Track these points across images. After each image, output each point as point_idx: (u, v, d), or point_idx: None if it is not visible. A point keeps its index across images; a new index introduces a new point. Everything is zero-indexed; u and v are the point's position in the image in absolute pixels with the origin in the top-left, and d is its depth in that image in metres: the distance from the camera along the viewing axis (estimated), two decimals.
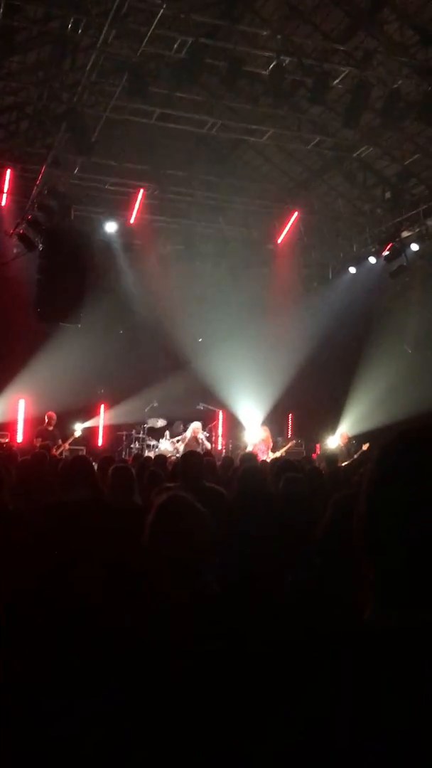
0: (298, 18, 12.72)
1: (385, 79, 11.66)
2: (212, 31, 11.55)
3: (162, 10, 10.08)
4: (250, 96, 12.87)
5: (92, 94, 12.28)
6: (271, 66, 11.25)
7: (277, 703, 1.29)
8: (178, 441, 15.93)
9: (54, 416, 13.96)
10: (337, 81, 11.73)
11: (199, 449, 14.74)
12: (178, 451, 15.67)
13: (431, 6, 11.44)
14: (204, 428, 16.51)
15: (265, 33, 11.67)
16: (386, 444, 1.35)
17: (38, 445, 10.59)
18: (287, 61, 11.31)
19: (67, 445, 13.94)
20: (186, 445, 14.98)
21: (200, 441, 15.16)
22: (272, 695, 1.34)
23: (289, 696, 1.26)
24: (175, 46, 11.02)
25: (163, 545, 2.45)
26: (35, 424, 15.78)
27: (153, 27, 10.35)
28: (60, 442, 13.76)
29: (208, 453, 14.64)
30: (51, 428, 13.74)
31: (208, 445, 15.23)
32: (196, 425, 15.47)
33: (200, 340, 17.82)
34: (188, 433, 15.35)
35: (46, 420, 13.73)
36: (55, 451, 12.81)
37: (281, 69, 11.22)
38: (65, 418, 14.42)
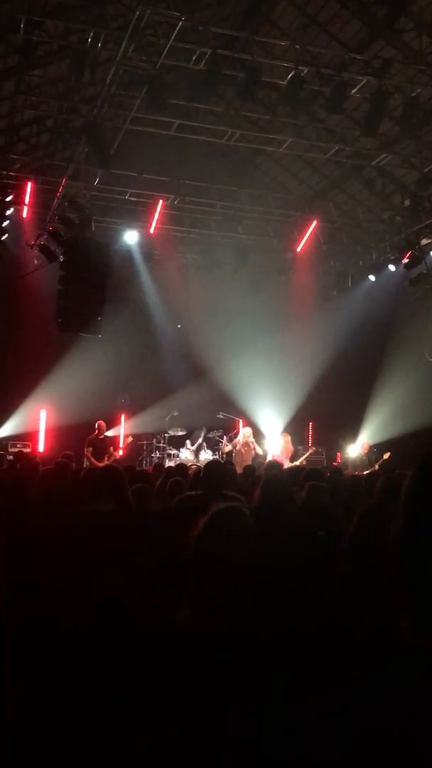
0: (315, 28, 12.77)
1: (403, 88, 11.66)
2: (230, 42, 11.62)
3: (180, 23, 10.16)
4: (269, 106, 12.91)
5: (112, 107, 12.38)
6: (289, 76, 11.29)
7: (309, 718, 1.29)
8: (224, 449, 15.85)
9: (104, 425, 14.01)
10: (355, 90, 11.75)
11: (251, 455, 14.73)
12: (198, 460, 15.69)
13: None
14: (224, 437, 16.51)
15: (282, 43, 11.72)
16: (424, 457, 1.35)
17: (64, 454, 10.62)
18: (305, 71, 11.35)
19: (118, 454, 14.03)
20: (240, 452, 14.88)
21: (252, 446, 15.06)
22: (306, 710, 1.34)
23: (321, 710, 1.25)
24: (194, 57, 11.09)
25: (214, 553, 2.43)
26: (60, 433, 15.94)
27: (172, 39, 10.43)
28: (111, 450, 13.83)
29: (258, 457, 14.70)
30: (101, 437, 13.81)
31: (260, 450, 15.16)
32: (246, 431, 15.38)
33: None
34: (240, 439, 15.27)
35: (97, 429, 13.79)
36: (107, 460, 12.89)
37: (299, 79, 11.26)
38: (85, 428, 14.47)
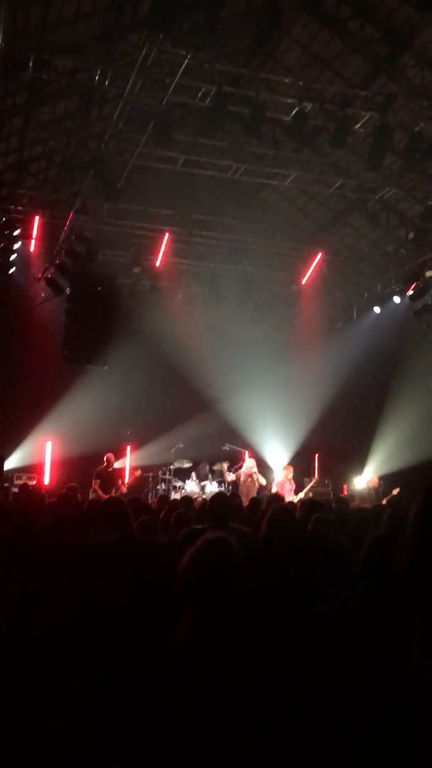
0: (319, 65, 12.98)
1: (407, 123, 11.82)
2: (235, 79, 11.83)
3: (186, 61, 10.38)
4: (273, 141, 13.09)
5: (119, 142, 12.58)
6: (294, 112, 11.46)
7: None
8: (227, 480, 15.77)
9: (113, 457, 13.92)
10: (358, 125, 11.93)
11: (255, 487, 14.66)
12: (204, 492, 15.61)
13: None
14: (229, 469, 16.44)
15: (287, 80, 11.91)
16: (429, 489, 1.34)
17: (69, 486, 10.57)
18: (309, 107, 11.54)
19: (125, 487, 13.94)
20: (243, 484, 14.82)
21: (255, 478, 15.00)
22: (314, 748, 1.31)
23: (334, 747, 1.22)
24: (200, 94, 11.29)
25: (196, 587, 2.42)
26: (66, 465, 15.92)
27: (178, 77, 10.64)
28: (119, 483, 13.77)
29: (262, 489, 14.62)
30: (110, 469, 13.73)
31: (263, 481, 15.09)
32: (250, 462, 15.32)
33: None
34: (244, 470, 15.20)
35: (105, 462, 13.70)
36: (114, 493, 12.83)
37: (303, 115, 11.43)
38: (91, 460, 14.45)
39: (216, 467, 16.78)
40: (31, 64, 10.39)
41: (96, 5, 10.98)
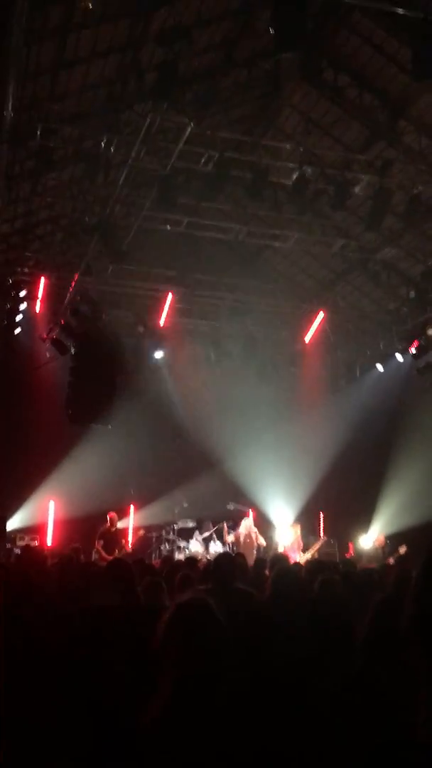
0: (319, 131, 13.34)
1: (405, 185, 12.09)
2: (238, 145, 12.16)
3: (190, 128, 10.70)
4: (275, 204, 13.36)
5: (124, 206, 12.86)
6: (295, 176, 11.77)
7: None
8: (227, 541, 15.60)
9: (116, 517, 13.75)
10: (358, 188, 12.20)
11: (255, 545, 14.50)
12: (208, 552, 15.41)
13: None
14: (234, 528, 16.26)
15: (287, 146, 12.24)
16: None
17: (72, 547, 10.46)
18: (310, 171, 11.84)
19: (129, 547, 13.75)
20: (243, 543, 14.65)
21: (254, 537, 14.86)
22: None
23: None
24: (203, 160, 11.60)
25: (173, 648, 2.39)
26: (69, 525, 15.76)
27: (181, 144, 10.95)
28: (123, 543, 13.59)
29: (261, 548, 14.44)
30: (113, 529, 13.56)
31: (263, 541, 14.93)
32: (249, 522, 15.18)
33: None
34: (242, 530, 15.04)
35: (108, 521, 13.53)
36: (117, 553, 12.67)
37: (304, 179, 11.74)
38: (95, 520, 14.31)
39: (217, 527, 16.64)
40: (39, 132, 10.70)
41: (102, 76, 11.37)
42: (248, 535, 14.73)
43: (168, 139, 11.26)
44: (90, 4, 8.86)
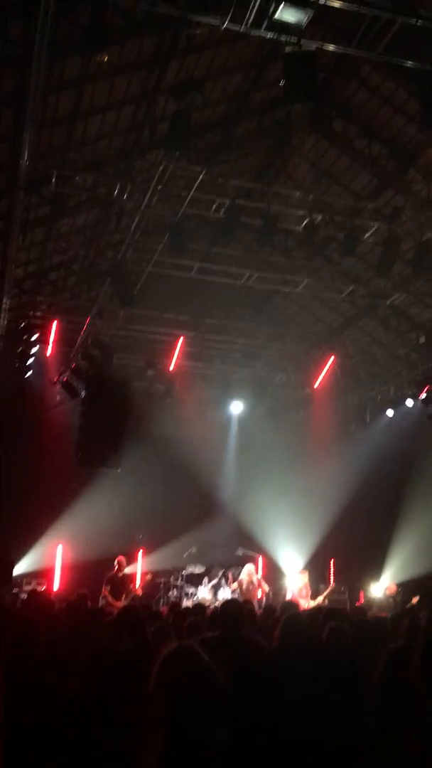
0: (328, 180, 13.55)
1: (414, 232, 12.22)
2: (248, 193, 12.35)
3: (201, 176, 10.90)
4: (285, 250, 13.52)
5: (135, 252, 13.02)
6: (304, 223, 11.94)
7: None
8: (231, 588, 15.41)
9: (124, 561, 13.57)
10: (367, 235, 12.33)
11: (258, 592, 14.32)
12: (217, 599, 15.20)
13: None
14: (229, 574, 16.04)
15: (297, 194, 12.41)
16: None
17: (79, 593, 10.33)
18: (319, 219, 12.01)
19: (138, 592, 13.56)
20: (245, 590, 14.46)
21: (257, 583, 14.68)
22: None
23: None
24: (214, 207, 11.79)
25: (161, 701, 2.36)
26: (77, 569, 15.62)
27: (193, 191, 11.15)
28: (130, 588, 13.40)
29: (265, 594, 14.27)
30: (120, 575, 13.37)
31: (266, 587, 14.74)
32: (250, 568, 14.98)
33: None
34: (244, 576, 14.84)
35: (116, 566, 13.36)
36: (124, 599, 12.50)
37: (314, 225, 11.90)
38: (103, 564, 14.19)
39: (224, 574, 16.46)
40: (53, 179, 10.92)
41: (117, 126, 11.63)
42: (251, 582, 14.57)
43: (180, 186, 11.46)
44: (105, 57, 9.11)
